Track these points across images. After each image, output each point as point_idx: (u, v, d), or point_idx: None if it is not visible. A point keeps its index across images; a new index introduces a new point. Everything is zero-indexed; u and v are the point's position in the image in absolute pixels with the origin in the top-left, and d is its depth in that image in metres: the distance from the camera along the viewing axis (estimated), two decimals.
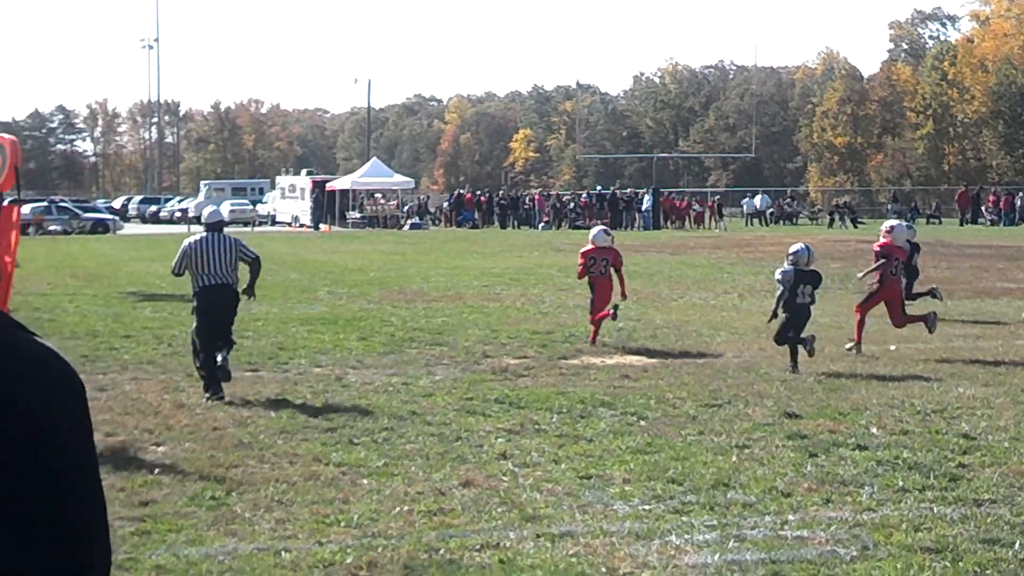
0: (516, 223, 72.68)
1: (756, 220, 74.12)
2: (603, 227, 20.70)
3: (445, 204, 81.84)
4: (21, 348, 3.48)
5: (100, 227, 68.15)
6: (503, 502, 9.35)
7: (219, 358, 14.15)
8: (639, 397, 13.81)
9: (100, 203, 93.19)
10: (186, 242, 14.64)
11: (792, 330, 15.74)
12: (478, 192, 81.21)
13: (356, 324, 20.80)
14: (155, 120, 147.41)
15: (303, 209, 76.92)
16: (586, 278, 18.93)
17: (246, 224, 74.27)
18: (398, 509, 9.13)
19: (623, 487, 9.80)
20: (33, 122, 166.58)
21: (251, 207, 80.00)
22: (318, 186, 76.84)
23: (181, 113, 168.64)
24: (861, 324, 17.53)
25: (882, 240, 18.07)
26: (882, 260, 17.73)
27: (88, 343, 18.47)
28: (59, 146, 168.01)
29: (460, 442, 11.54)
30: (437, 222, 79.14)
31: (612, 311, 18.15)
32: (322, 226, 71.54)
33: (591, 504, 9.31)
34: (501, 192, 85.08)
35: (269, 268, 34.78)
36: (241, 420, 12.52)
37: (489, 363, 16.57)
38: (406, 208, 78.36)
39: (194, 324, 14.51)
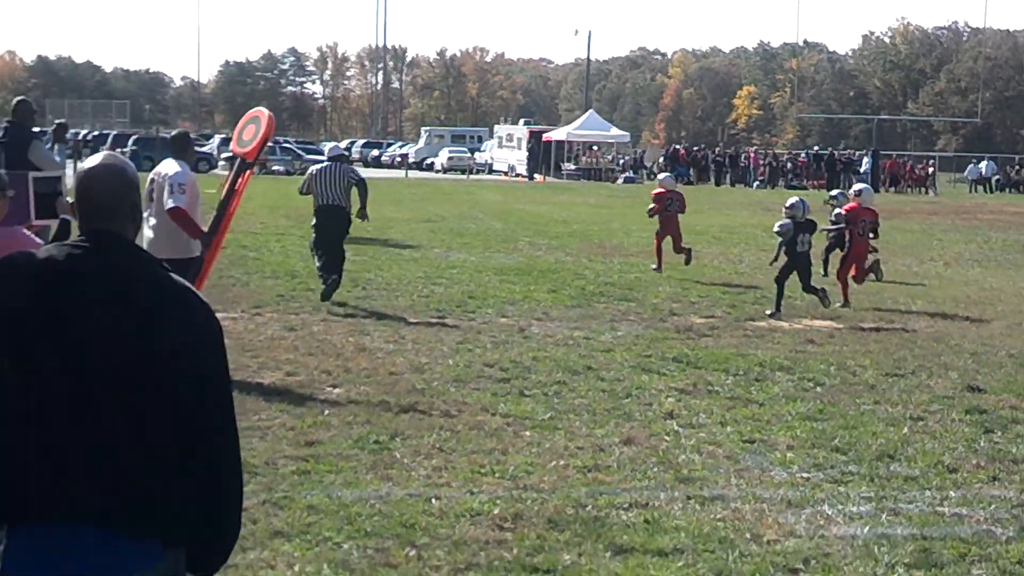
0: (732, 181, 71.91)
1: (980, 187, 72.11)
2: (669, 174, 26.50)
3: (660, 159, 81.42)
4: (168, 283, 3.72)
5: None
6: (660, 462, 9.34)
7: (324, 281, 16.66)
8: (820, 363, 13.59)
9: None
10: (312, 169, 17.62)
11: (790, 274, 17.25)
12: (694, 148, 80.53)
13: (549, 276, 20.88)
14: (382, 66, 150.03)
15: (519, 159, 77.33)
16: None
17: (463, 172, 75.12)
18: (554, 463, 9.18)
19: (785, 453, 9.69)
20: (266, 63, 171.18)
21: (468, 155, 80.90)
22: (534, 136, 77.20)
23: (407, 59, 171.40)
24: (845, 285, 18.61)
25: (850, 204, 19.41)
26: (841, 225, 19.37)
27: (286, 283, 18.92)
28: (290, 88, 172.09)
29: (629, 399, 11.53)
30: (652, 176, 78.79)
31: (686, 258, 21.87)
32: (536, 176, 71.89)
33: (749, 469, 9.23)
34: (717, 149, 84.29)
35: (474, 217, 35.36)
36: (419, 366, 12.71)
37: (674, 321, 16.47)
38: (621, 162, 78.22)
39: (312, 237, 17.20)
